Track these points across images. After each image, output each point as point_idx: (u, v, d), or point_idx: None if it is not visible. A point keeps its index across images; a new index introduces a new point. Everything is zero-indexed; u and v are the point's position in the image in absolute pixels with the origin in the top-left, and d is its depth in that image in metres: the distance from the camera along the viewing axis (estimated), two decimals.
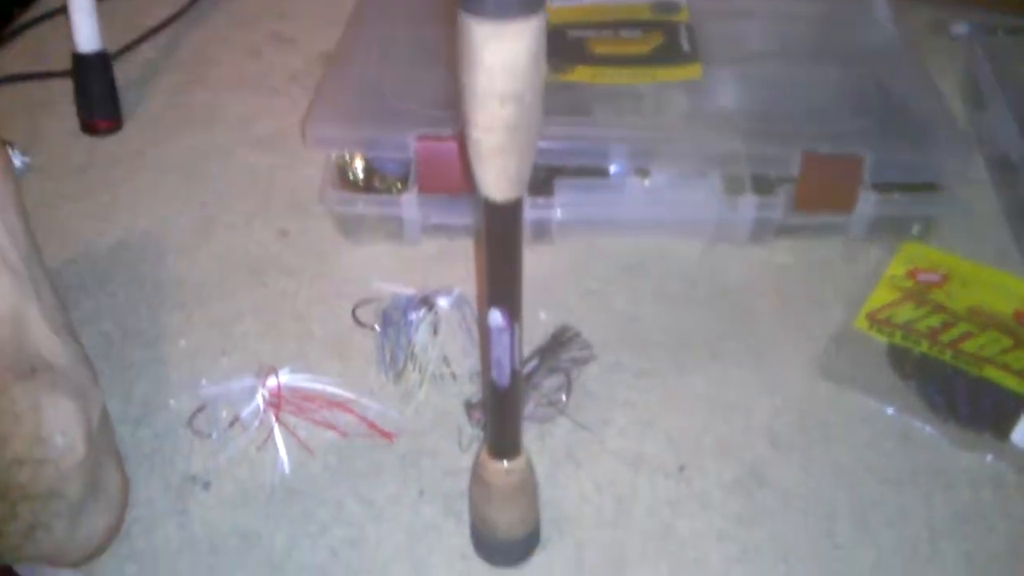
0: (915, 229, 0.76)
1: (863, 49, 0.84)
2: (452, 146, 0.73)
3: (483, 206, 0.43)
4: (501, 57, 0.37)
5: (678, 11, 0.88)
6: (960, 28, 0.97)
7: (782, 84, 0.80)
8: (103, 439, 0.58)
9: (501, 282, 0.46)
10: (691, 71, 0.81)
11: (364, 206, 0.76)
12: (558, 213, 0.75)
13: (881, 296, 0.71)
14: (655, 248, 0.77)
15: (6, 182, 0.61)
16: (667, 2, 0.89)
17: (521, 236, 0.44)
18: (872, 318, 0.70)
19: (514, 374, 0.49)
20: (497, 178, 0.41)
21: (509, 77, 0.38)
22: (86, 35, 0.89)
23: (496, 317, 0.47)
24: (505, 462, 0.52)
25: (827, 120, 0.75)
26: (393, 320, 0.70)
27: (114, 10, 1.07)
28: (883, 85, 0.79)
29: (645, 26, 0.86)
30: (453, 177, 0.73)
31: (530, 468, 0.53)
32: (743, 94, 0.79)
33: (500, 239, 0.44)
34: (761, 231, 0.75)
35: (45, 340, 0.57)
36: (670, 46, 0.83)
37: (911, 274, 0.73)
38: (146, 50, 1.03)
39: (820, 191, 0.71)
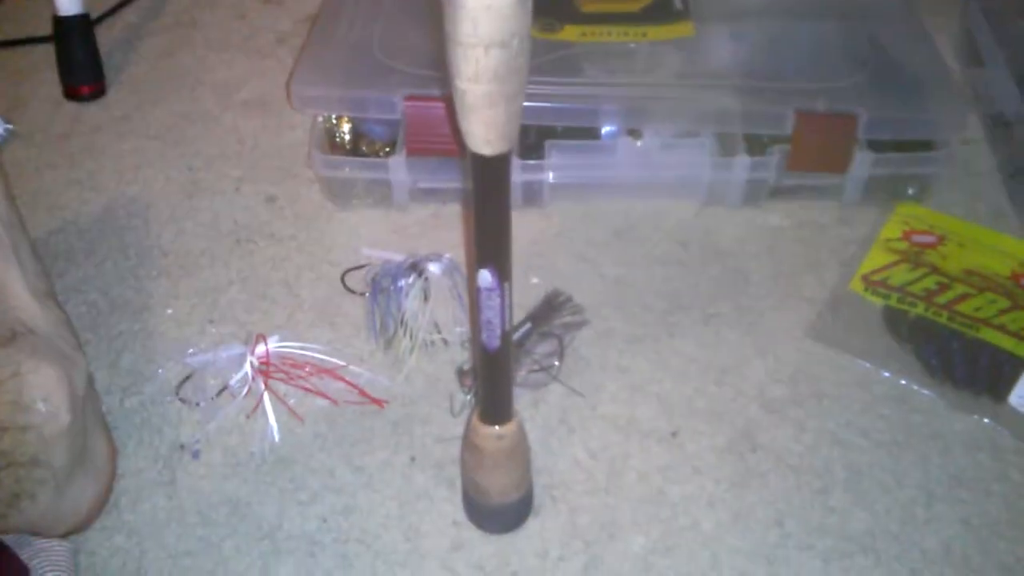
0: (910, 189, 0.75)
1: (858, 4, 0.83)
2: (440, 107, 0.71)
3: (470, 161, 0.42)
4: (487, 1, 0.36)
5: None
6: None
7: (776, 41, 0.79)
8: (89, 407, 0.58)
9: (490, 240, 0.45)
10: (683, 29, 0.79)
11: (351, 170, 0.75)
12: (549, 176, 0.74)
13: (876, 258, 0.70)
14: (647, 210, 0.76)
15: None
16: None
17: (509, 192, 0.43)
18: (867, 280, 0.69)
19: (504, 336, 0.48)
20: (485, 131, 0.40)
21: (494, 22, 0.36)
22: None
23: (485, 277, 0.46)
24: (497, 427, 0.51)
25: (821, 77, 0.74)
26: (383, 287, 0.70)
27: None
28: (878, 40, 0.78)
29: None
30: (442, 138, 0.72)
31: (522, 433, 0.53)
32: (736, 52, 0.77)
33: (488, 195, 0.43)
34: (754, 193, 0.74)
35: (26, 306, 0.56)
36: (662, 4, 0.82)
37: (906, 236, 0.72)
38: (129, 13, 1.01)
39: (814, 151, 0.70)
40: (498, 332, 0.48)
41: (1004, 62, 0.78)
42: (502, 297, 0.46)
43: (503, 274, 0.46)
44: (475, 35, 0.37)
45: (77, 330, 0.63)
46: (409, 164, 0.73)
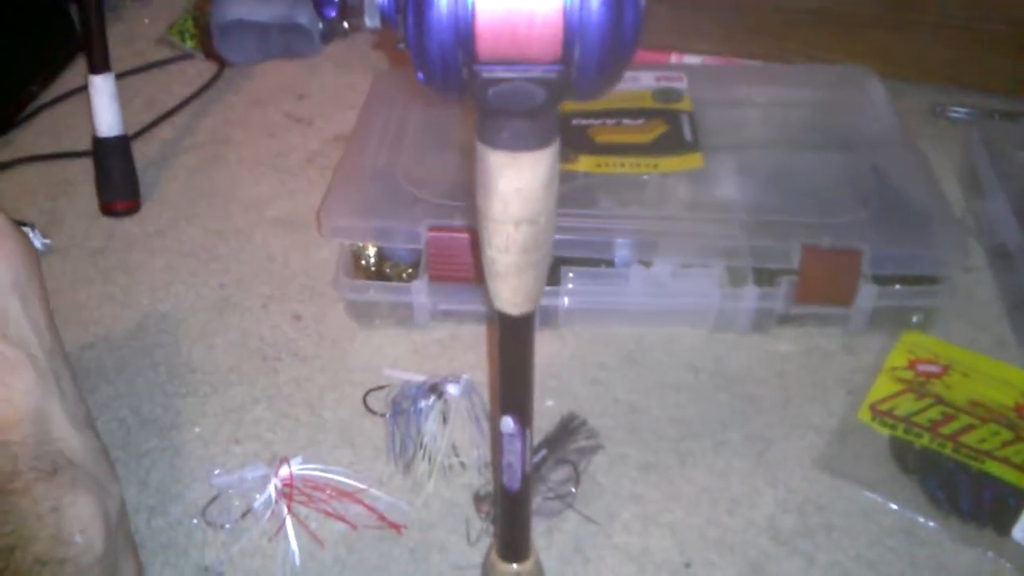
0: (915, 318, 0.77)
1: (862, 136, 0.86)
2: (463, 237, 0.75)
3: (497, 318, 0.45)
4: (516, 185, 0.39)
5: (680, 99, 0.91)
6: (958, 111, 0.99)
7: (782, 173, 0.82)
8: (120, 531, 0.60)
9: (513, 390, 0.48)
10: (693, 160, 0.83)
11: (376, 293, 0.78)
12: (565, 301, 0.77)
13: (882, 387, 0.72)
14: (660, 336, 0.79)
15: (32, 274, 0.63)
16: (669, 90, 0.92)
17: (533, 346, 0.46)
18: (874, 410, 0.71)
19: (524, 479, 0.51)
20: (512, 295, 0.43)
21: (523, 203, 0.40)
22: (107, 121, 0.92)
23: (508, 423, 0.49)
24: (515, 565, 0.53)
25: (826, 211, 0.77)
26: (403, 408, 0.72)
27: (133, 89, 1.11)
28: (881, 173, 0.81)
29: (648, 114, 0.88)
30: (464, 267, 0.75)
31: (539, 570, 0.54)
32: (744, 183, 0.81)
33: (513, 349, 0.46)
34: (763, 320, 0.76)
35: (66, 436, 0.59)
36: (672, 135, 0.86)
37: (912, 365, 0.74)
38: (165, 130, 1.06)
39: (820, 284, 0.73)
40: (519, 475, 0.50)
41: (1004, 195, 0.81)
42: (523, 442, 0.49)
43: (525, 420, 0.48)
44: (506, 214, 0.40)
45: (108, 449, 0.65)
46: (431, 288, 0.76)
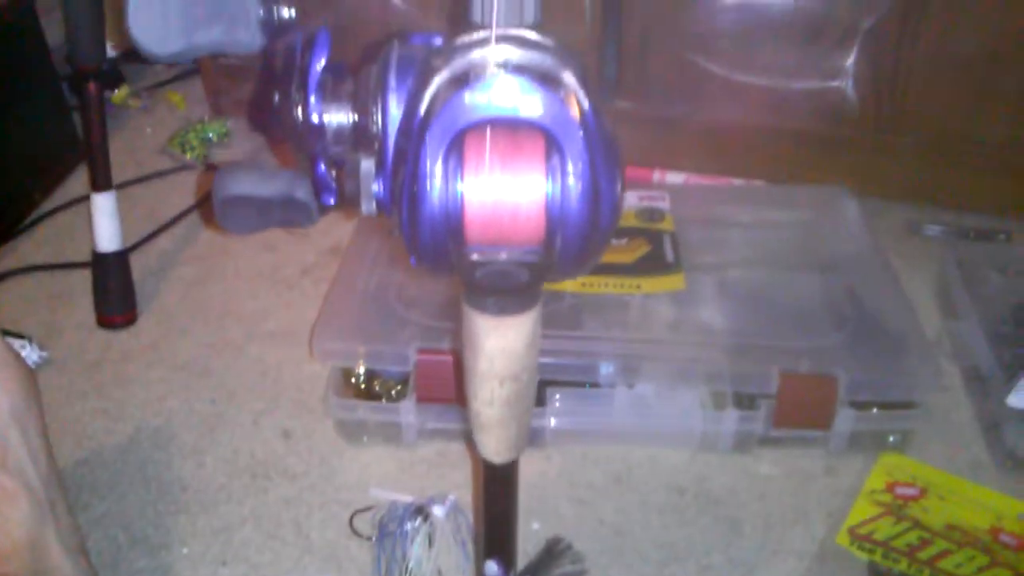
0: (892, 438, 0.79)
1: (838, 257, 0.89)
2: (450, 360, 0.77)
3: (482, 467, 0.46)
4: (501, 345, 0.41)
5: (662, 218, 0.94)
6: (933, 229, 1.03)
7: (760, 294, 0.85)
8: None
9: (497, 534, 0.49)
10: (675, 281, 0.86)
11: (364, 412, 0.80)
12: (551, 422, 0.78)
13: (861, 511, 0.74)
14: (645, 455, 0.80)
15: (30, 403, 0.64)
16: (652, 209, 0.95)
17: (517, 492, 0.48)
18: (853, 534, 0.72)
19: None
20: (497, 444, 0.45)
21: (508, 361, 0.42)
22: (107, 237, 0.94)
23: (492, 568, 0.50)
24: None
25: (804, 334, 0.79)
26: (389, 530, 0.73)
27: (134, 199, 1.14)
28: (857, 295, 0.84)
29: (631, 234, 0.91)
30: (450, 389, 0.77)
31: None
32: (724, 305, 0.83)
33: (496, 495, 0.48)
34: (745, 442, 0.78)
35: (60, 564, 0.60)
36: (655, 255, 0.89)
37: (890, 487, 0.75)
38: (164, 240, 1.09)
39: (798, 409, 0.75)
40: None
41: (977, 318, 0.84)
42: None
43: (508, 564, 0.50)
44: (491, 371, 0.42)
45: (100, 570, 0.66)
46: (418, 409, 0.78)
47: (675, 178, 1.09)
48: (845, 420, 0.75)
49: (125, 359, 0.93)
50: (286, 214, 0.41)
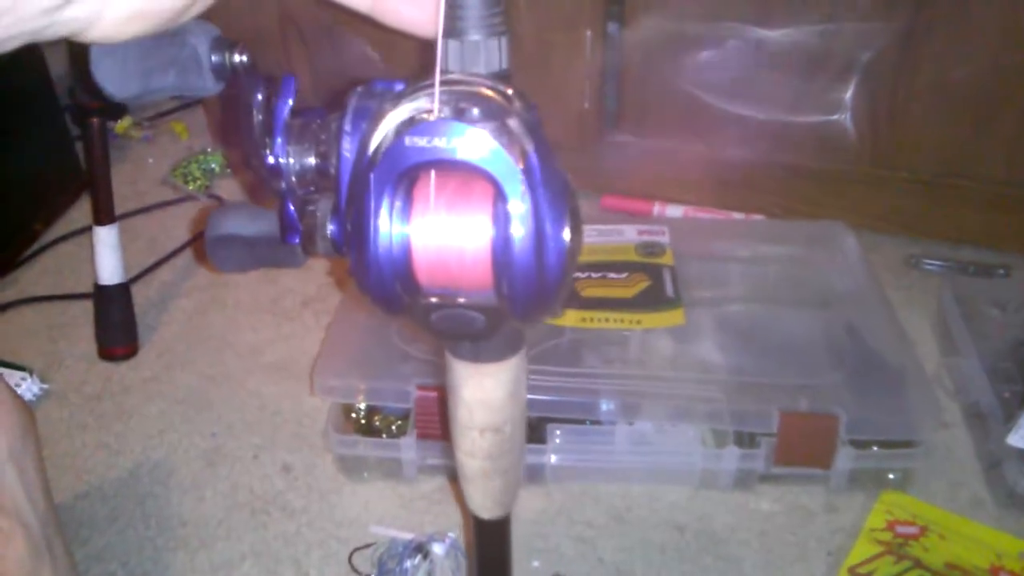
0: (892, 476, 0.79)
1: (837, 292, 0.90)
2: None
3: (472, 521, 0.46)
4: (479, 395, 0.41)
5: (662, 253, 0.94)
6: (932, 264, 1.03)
7: (760, 330, 0.85)
8: None
9: None
10: (675, 317, 0.86)
11: (364, 448, 0.80)
12: (552, 459, 0.78)
13: (862, 550, 0.74)
14: (645, 492, 0.80)
15: (28, 441, 0.64)
16: (652, 244, 0.95)
17: (509, 550, 0.47)
18: (853, 573, 0.72)
19: None
20: (483, 498, 0.45)
21: (488, 412, 0.42)
22: (109, 269, 0.95)
23: None
24: None
25: (803, 371, 0.79)
26: (388, 568, 0.73)
27: (136, 230, 1.15)
28: (856, 331, 0.84)
29: (631, 268, 0.92)
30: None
31: None
32: (723, 341, 0.83)
33: (488, 551, 0.48)
34: (745, 479, 0.78)
35: None
36: (655, 290, 0.89)
37: (890, 526, 0.75)
38: (165, 272, 1.09)
39: (799, 448, 0.75)
40: None
41: (977, 354, 0.84)
42: None
43: None
44: (471, 421, 0.42)
45: None
46: (419, 445, 0.78)
47: (675, 211, 1.10)
48: (845, 458, 0.75)
49: (126, 392, 0.93)
50: (274, 254, 0.42)
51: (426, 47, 0.37)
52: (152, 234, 1.15)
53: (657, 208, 1.10)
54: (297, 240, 0.40)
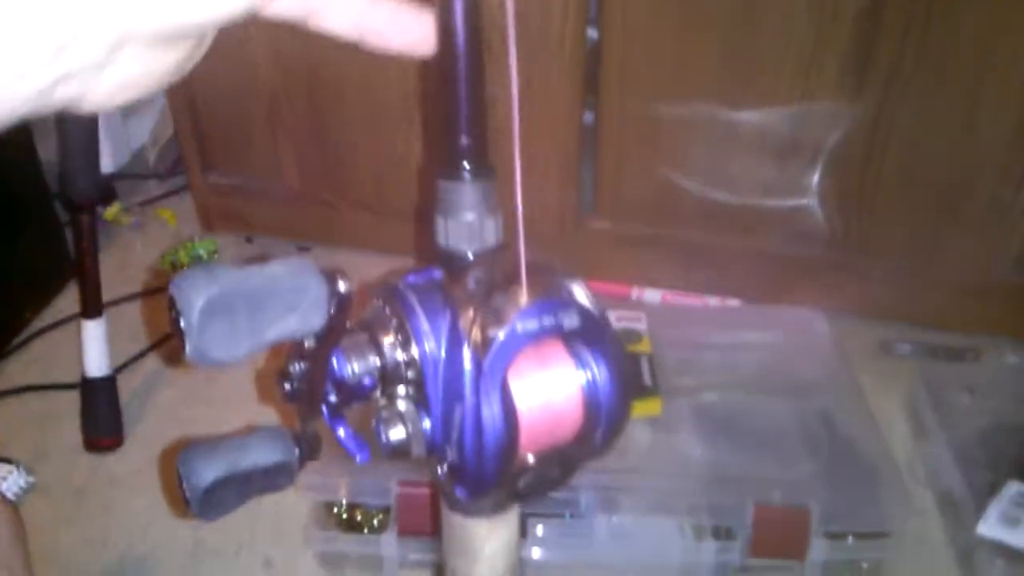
0: (866, 566, 0.80)
1: (811, 381, 0.92)
2: (428, 492, 0.78)
3: None
4: (498, 545, 0.43)
5: (640, 340, 0.96)
6: (904, 348, 1.05)
7: (736, 421, 0.87)
8: None
9: None
10: (652, 406, 0.88)
11: (345, 544, 0.80)
12: (533, 554, 0.79)
13: None
14: None
15: (18, 545, 0.65)
16: (630, 331, 0.97)
17: None
18: None
19: None
20: None
21: (507, 555, 0.43)
22: (95, 362, 0.96)
23: None
24: None
25: (778, 461, 0.81)
26: None
27: (123, 318, 1.16)
28: (830, 420, 0.86)
29: None
30: (431, 521, 0.78)
31: None
32: (700, 431, 0.85)
33: None
34: (722, 571, 0.79)
35: None
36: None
37: None
38: (151, 360, 1.10)
39: (773, 541, 0.76)
40: None
41: (947, 442, 0.86)
42: None
43: None
44: (494, 572, 0.43)
45: None
46: (400, 541, 0.79)
47: (653, 295, 1.12)
48: (819, 550, 0.76)
49: (111, 484, 0.94)
50: (266, 481, 0.40)
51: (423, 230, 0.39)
52: (139, 322, 1.16)
53: (635, 293, 1.13)
54: (367, 457, 0.39)
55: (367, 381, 0.38)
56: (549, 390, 0.38)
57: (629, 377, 0.39)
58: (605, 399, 0.38)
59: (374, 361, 0.38)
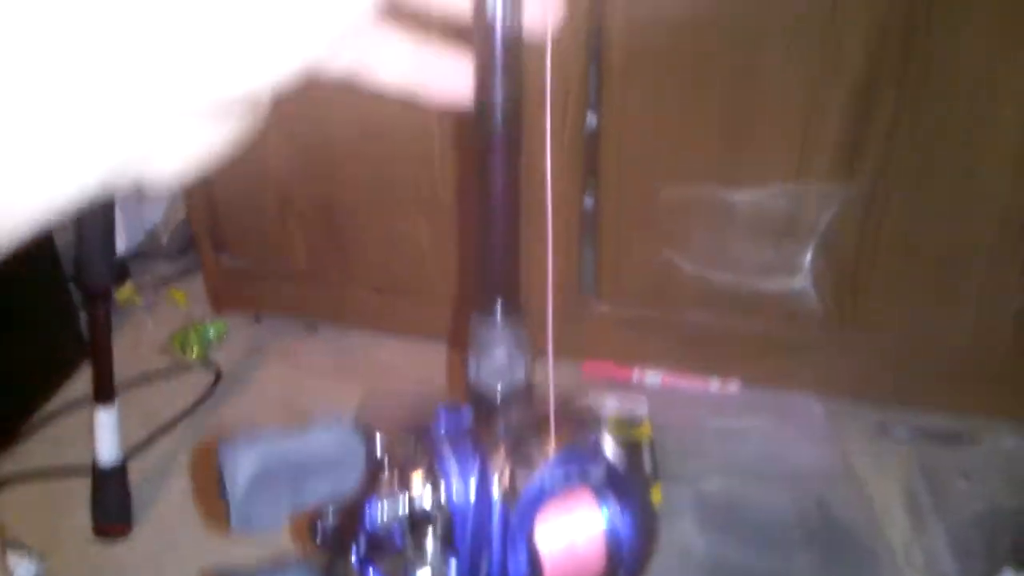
0: None
1: (808, 467, 0.93)
2: None
3: None
4: None
5: (640, 424, 0.98)
6: (901, 432, 1.06)
7: (734, 509, 0.89)
8: None
9: None
10: (653, 494, 0.89)
11: None
12: None
13: None
14: None
15: None
16: (631, 417, 0.99)
17: None
18: None
19: None
20: None
21: None
22: (107, 450, 0.98)
23: None
24: None
25: (775, 553, 0.82)
26: None
27: (134, 400, 1.18)
28: (826, 507, 0.87)
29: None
30: None
31: None
32: (700, 521, 0.86)
33: None
34: None
35: None
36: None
37: None
38: (162, 443, 1.12)
39: None
40: None
41: (943, 530, 0.87)
42: None
43: None
44: None
45: None
46: None
47: (654, 377, 1.14)
48: None
49: (121, 572, 0.95)
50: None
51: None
52: (150, 404, 1.18)
53: (636, 375, 1.15)
54: None
55: (396, 530, 0.39)
56: (573, 533, 0.39)
57: (651, 521, 0.40)
58: (627, 542, 0.39)
59: (404, 511, 0.38)
